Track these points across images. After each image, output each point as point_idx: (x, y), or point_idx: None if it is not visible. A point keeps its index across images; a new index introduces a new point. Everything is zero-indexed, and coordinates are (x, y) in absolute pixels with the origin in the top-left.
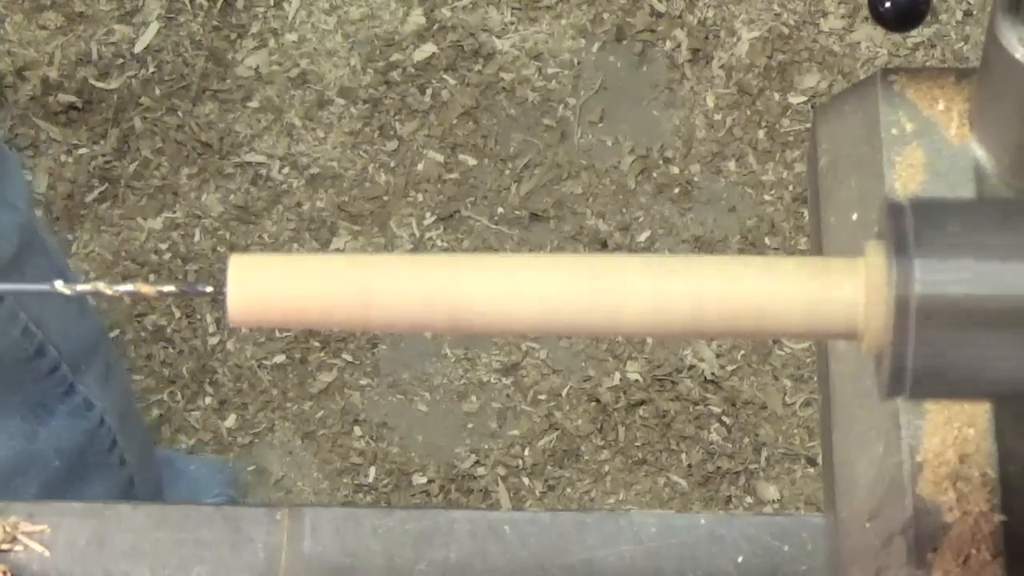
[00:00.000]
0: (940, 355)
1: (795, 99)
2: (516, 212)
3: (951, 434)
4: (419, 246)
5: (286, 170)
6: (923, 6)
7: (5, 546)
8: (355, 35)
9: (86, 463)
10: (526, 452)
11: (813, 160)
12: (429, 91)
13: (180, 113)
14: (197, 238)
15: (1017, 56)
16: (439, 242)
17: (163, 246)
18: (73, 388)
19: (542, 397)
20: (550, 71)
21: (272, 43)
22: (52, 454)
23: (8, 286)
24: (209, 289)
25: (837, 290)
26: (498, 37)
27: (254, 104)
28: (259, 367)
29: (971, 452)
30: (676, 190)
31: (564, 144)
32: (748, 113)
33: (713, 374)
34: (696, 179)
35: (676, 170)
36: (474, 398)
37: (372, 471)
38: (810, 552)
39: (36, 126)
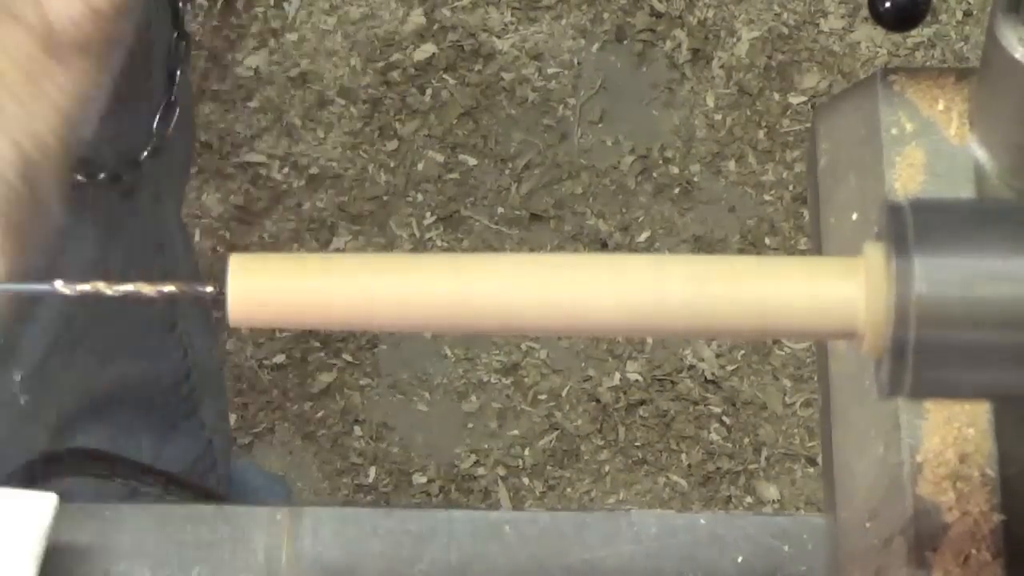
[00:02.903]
0: (940, 355)
1: (795, 99)
2: (516, 212)
3: (951, 434)
4: (419, 246)
5: (286, 170)
6: (923, 6)
7: None
8: (355, 35)
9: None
10: (526, 452)
11: (813, 160)
12: (429, 91)
13: None
14: (197, 238)
15: (1017, 56)
16: (439, 242)
17: None
18: (196, 410)
19: (542, 397)
20: (550, 71)
21: (272, 43)
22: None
23: (7, 286)
24: (209, 289)
25: (837, 290)
26: (498, 37)
27: (254, 104)
28: (259, 367)
29: (971, 452)
30: (676, 190)
31: (564, 144)
32: (748, 113)
33: (713, 374)
34: (696, 179)
35: (676, 170)
36: (474, 398)
37: (372, 471)
38: (810, 552)
39: None
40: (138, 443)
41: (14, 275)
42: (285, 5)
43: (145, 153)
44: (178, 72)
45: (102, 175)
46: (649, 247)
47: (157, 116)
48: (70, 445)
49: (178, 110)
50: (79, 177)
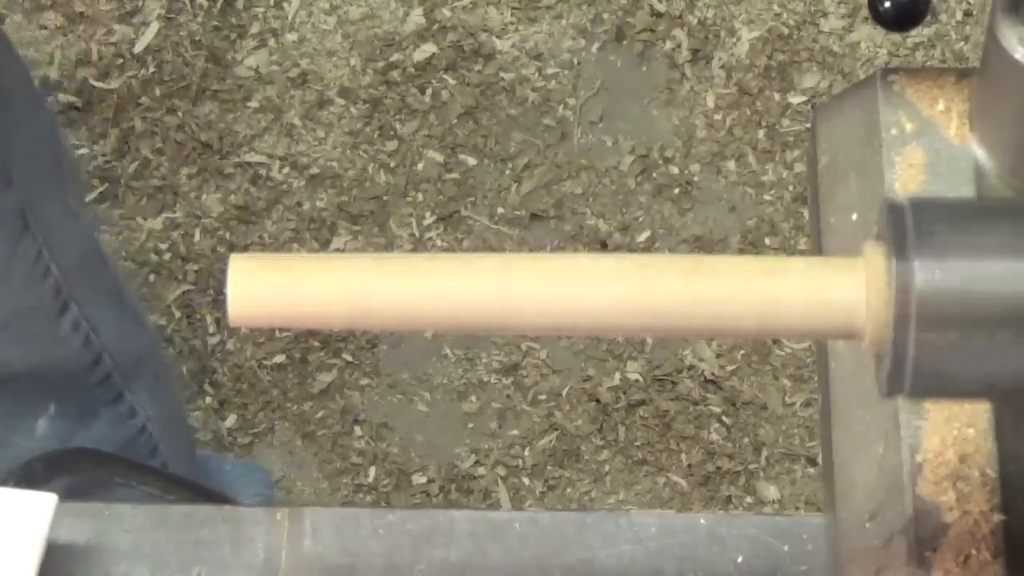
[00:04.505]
0: (940, 354)
1: (795, 99)
2: (516, 212)
3: (951, 434)
4: (419, 246)
5: (286, 170)
6: (923, 6)
7: None
8: (355, 35)
9: None
10: (526, 452)
11: (813, 160)
12: (429, 91)
13: (180, 113)
14: (197, 238)
15: (1017, 56)
16: (439, 242)
17: (163, 246)
18: (121, 396)
19: (542, 397)
20: (550, 71)
21: (272, 43)
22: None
23: None
24: None
25: (837, 290)
26: (498, 37)
27: (254, 104)
28: (259, 367)
29: (971, 452)
30: (676, 190)
31: (564, 144)
32: (748, 113)
33: (713, 374)
34: (696, 179)
35: (676, 170)
36: (474, 398)
37: (372, 471)
38: (810, 552)
39: None
40: (30, 426)
41: None
42: (285, 5)
43: None
44: None
45: None
46: (649, 247)
47: None
48: None
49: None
50: None
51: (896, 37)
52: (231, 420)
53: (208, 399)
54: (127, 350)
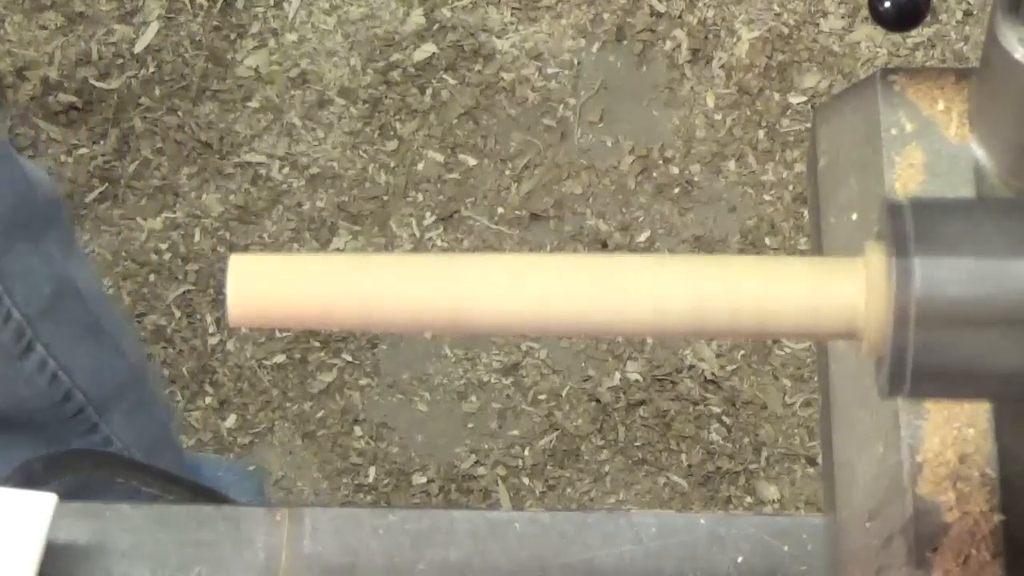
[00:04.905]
0: (940, 355)
1: (795, 99)
2: (516, 212)
3: (951, 434)
4: (419, 246)
5: (286, 170)
6: (923, 6)
7: None
8: (355, 35)
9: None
10: (526, 452)
11: (813, 160)
12: (429, 91)
13: (180, 113)
14: (197, 238)
15: (1017, 56)
16: (439, 242)
17: (163, 246)
18: (96, 427)
19: (542, 397)
20: (550, 71)
21: (272, 43)
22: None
23: None
24: None
25: (837, 290)
26: (498, 37)
27: (254, 104)
28: (259, 367)
29: (971, 452)
30: (676, 190)
31: (564, 144)
32: (748, 113)
33: (713, 374)
34: (696, 179)
35: (676, 170)
36: (474, 398)
37: (372, 471)
38: (810, 552)
39: (36, 126)
40: (2, 459)
41: None
42: (285, 5)
43: None
44: None
45: None
46: (649, 247)
47: None
48: None
49: None
50: None
51: (896, 37)
52: (231, 420)
53: (208, 399)
54: (103, 383)
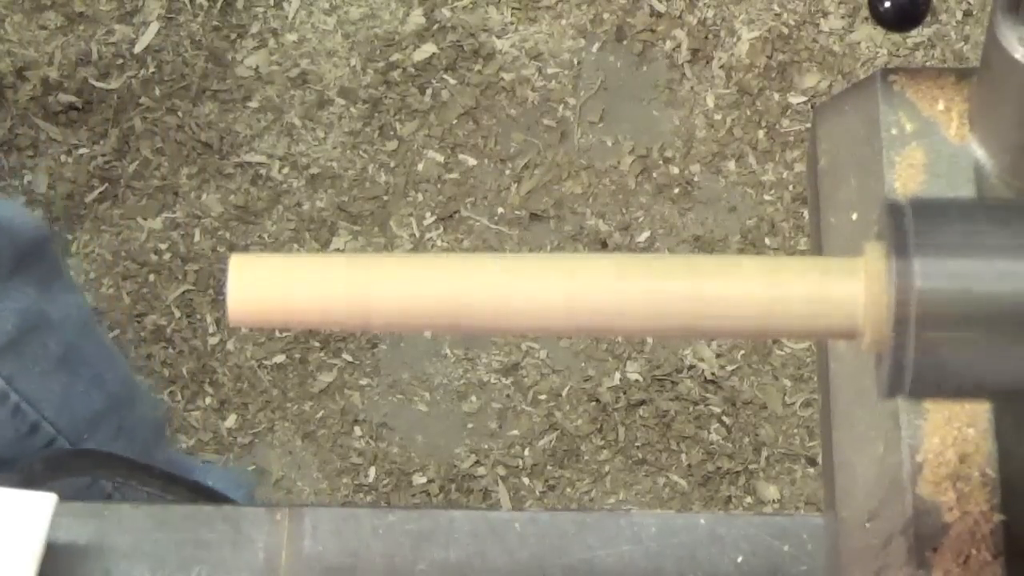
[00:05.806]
0: (940, 355)
1: (795, 99)
2: (516, 212)
3: (951, 434)
4: (419, 246)
5: (286, 170)
6: (923, 6)
7: None
8: (355, 35)
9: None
10: (526, 452)
11: (813, 160)
12: (429, 91)
13: (180, 113)
14: (197, 238)
15: (1017, 56)
16: (439, 242)
17: (163, 246)
18: None
19: (542, 397)
20: (550, 71)
21: (272, 43)
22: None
23: None
24: None
25: (837, 290)
26: (498, 37)
27: (254, 104)
28: (259, 367)
29: (971, 452)
30: (676, 190)
31: (564, 144)
32: (748, 113)
33: (713, 374)
34: (696, 179)
35: (676, 170)
36: (474, 398)
37: (372, 471)
38: (810, 552)
39: (36, 126)
40: None
41: None
42: (285, 5)
43: None
44: None
45: None
46: (649, 247)
47: None
48: None
49: None
50: None
51: (896, 37)
52: (231, 420)
53: (208, 399)
54: (76, 414)
